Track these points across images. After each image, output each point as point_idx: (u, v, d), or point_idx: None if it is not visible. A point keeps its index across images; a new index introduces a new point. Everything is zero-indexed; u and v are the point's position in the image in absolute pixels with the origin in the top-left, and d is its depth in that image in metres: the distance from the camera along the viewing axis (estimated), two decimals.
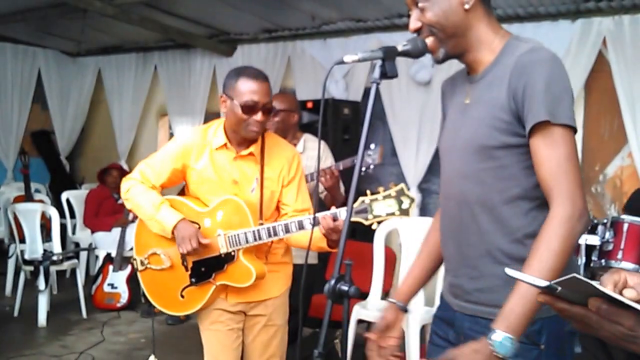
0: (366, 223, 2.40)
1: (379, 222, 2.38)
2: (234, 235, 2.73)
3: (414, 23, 1.89)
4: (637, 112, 5.20)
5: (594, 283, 1.11)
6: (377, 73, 1.77)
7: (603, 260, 3.91)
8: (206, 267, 2.81)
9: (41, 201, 6.93)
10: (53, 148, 8.70)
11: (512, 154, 1.80)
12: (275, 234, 2.68)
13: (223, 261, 2.78)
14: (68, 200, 7.19)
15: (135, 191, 2.90)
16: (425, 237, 2.21)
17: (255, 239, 2.70)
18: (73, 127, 8.58)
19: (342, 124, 6.04)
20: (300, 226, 2.62)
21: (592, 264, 3.95)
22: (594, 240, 3.90)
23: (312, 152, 4.07)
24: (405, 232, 4.45)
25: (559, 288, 1.16)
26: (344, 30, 6.53)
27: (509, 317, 1.64)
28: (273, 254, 2.93)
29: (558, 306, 1.20)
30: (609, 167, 5.65)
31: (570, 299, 1.18)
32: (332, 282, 1.69)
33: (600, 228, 3.96)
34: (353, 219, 2.37)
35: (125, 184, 2.95)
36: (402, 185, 2.35)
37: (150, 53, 7.94)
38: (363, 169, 3.79)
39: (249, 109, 2.71)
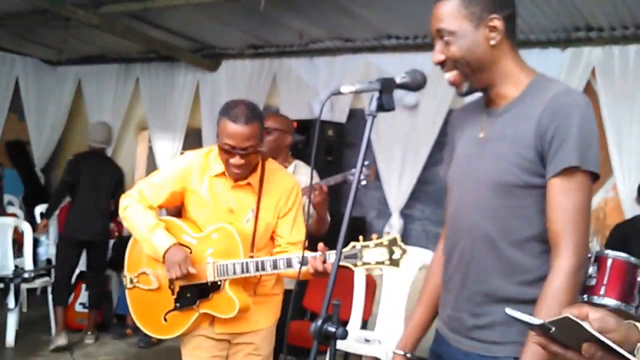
0: (354, 269, 2.44)
1: (367, 270, 2.43)
2: (223, 265, 2.78)
3: (438, 56, 1.91)
4: (624, 144, 5.28)
5: (585, 326, 1.15)
6: (373, 105, 1.80)
7: (585, 296, 3.94)
8: (192, 293, 2.86)
9: (14, 215, 6.90)
10: (28, 159, 8.65)
11: (531, 194, 1.84)
12: (263, 269, 2.73)
13: (209, 289, 2.83)
14: (42, 214, 7.13)
15: (131, 210, 2.96)
16: (425, 279, 2.22)
17: (243, 271, 2.75)
18: (50, 138, 8.52)
19: (325, 145, 6.10)
20: (289, 264, 2.68)
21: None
22: None
23: (301, 177, 4.13)
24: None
25: (553, 328, 1.20)
26: (331, 49, 6.59)
27: None
28: (262, 285, 2.97)
29: (552, 349, 1.24)
30: (593, 198, 5.71)
31: (565, 342, 1.22)
32: (319, 322, 1.71)
33: None
34: (342, 263, 2.41)
35: (124, 201, 3.01)
36: (396, 235, 2.40)
37: (132, 65, 7.95)
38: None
39: (224, 151, 2.77)
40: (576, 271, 1.75)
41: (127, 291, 3.06)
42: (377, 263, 2.41)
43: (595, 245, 5.45)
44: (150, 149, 8.02)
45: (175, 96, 7.63)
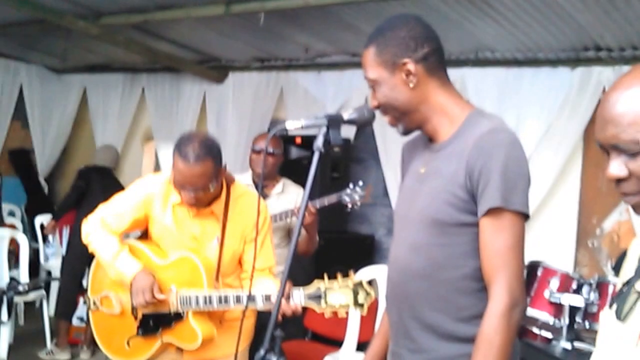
0: (318, 311, 2.48)
1: (332, 312, 2.46)
2: (186, 296, 2.82)
3: (372, 102, 2.00)
4: None
5: None
6: (320, 141, 1.88)
7: (587, 322, 3.96)
8: (155, 321, 2.90)
9: (12, 226, 6.99)
10: (32, 168, 8.73)
11: (465, 232, 1.89)
12: (226, 303, 2.76)
13: (172, 319, 2.87)
14: (42, 225, 7.24)
15: (94, 236, 3.01)
16: (384, 309, 2.25)
17: (205, 304, 2.79)
18: (54, 147, 8.61)
19: (331, 162, 6.13)
20: (252, 300, 2.71)
21: (575, 326, 4.00)
22: (578, 301, 3.96)
23: (290, 195, 4.22)
24: (384, 282, 4.50)
25: None
26: (338, 64, 6.62)
27: None
28: (231, 311, 2.97)
29: None
30: (606, 221, 5.71)
31: None
32: (262, 352, 1.78)
33: (585, 288, 4.02)
34: (305, 304, 2.49)
35: (85, 227, 3.06)
36: (361, 279, 2.45)
37: (138, 74, 8.03)
38: (349, 205, 3.94)
39: (177, 185, 2.80)
40: (508, 311, 1.79)
41: (90, 313, 3.12)
42: (342, 306, 2.45)
43: (609, 270, 5.45)
44: (157, 159, 8.07)
45: (181, 107, 7.69)
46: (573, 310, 4.00)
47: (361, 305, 2.43)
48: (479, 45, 5.55)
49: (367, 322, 4.60)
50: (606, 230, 5.73)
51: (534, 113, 5.49)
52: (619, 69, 5.32)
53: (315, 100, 6.73)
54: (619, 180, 1.29)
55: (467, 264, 1.89)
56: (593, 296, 3.96)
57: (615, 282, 3.94)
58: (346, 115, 1.94)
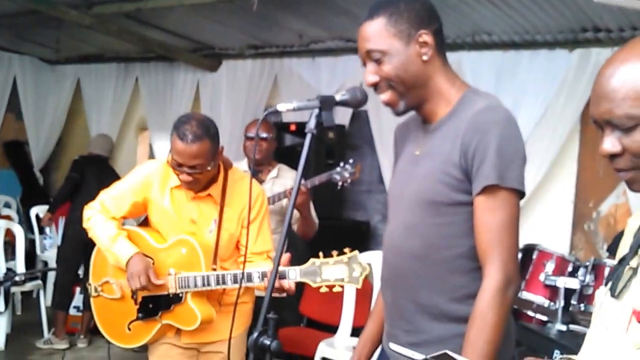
0: (313, 285, 2.48)
1: (327, 287, 2.46)
2: (184, 278, 2.85)
3: (372, 77, 1.93)
4: None
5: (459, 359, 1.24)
6: (312, 123, 1.86)
7: (582, 305, 3.99)
8: (154, 304, 2.93)
9: (8, 217, 7.02)
10: (26, 160, 8.76)
11: (460, 212, 1.89)
12: (224, 283, 2.80)
13: (171, 301, 2.90)
14: (37, 216, 7.27)
15: (94, 221, 3.04)
16: (378, 293, 2.27)
17: (204, 284, 2.82)
18: (48, 138, 8.61)
19: (325, 148, 6.15)
20: (249, 279, 2.72)
21: (571, 308, 4.03)
22: (573, 283, 3.99)
23: (285, 180, 4.25)
24: (379, 267, 4.54)
25: None
26: (333, 50, 6.62)
27: None
28: (229, 295, 3.01)
29: None
30: (603, 204, 5.72)
31: None
32: (255, 334, 1.78)
33: (581, 271, 4.06)
34: (300, 280, 2.49)
35: (86, 212, 3.09)
36: (355, 252, 2.43)
37: (131, 64, 8.03)
38: (340, 183, 3.97)
39: (174, 165, 2.82)
40: (503, 289, 1.81)
41: (91, 299, 3.16)
42: (336, 280, 2.44)
43: (604, 252, 5.48)
44: (151, 149, 8.08)
45: (175, 96, 7.70)
46: (568, 292, 4.03)
47: (356, 280, 2.44)
48: (476, 29, 5.55)
49: (362, 307, 4.64)
50: (603, 213, 5.75)
51: (531, 96, 5.48)
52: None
53: (310, 87, 6.71)
54: (612, 156, 1.29)
55: (462, 243, 1.90)
56: (589, 278, 3.99)
57: (612, 264, 3.98)
58: (338, 97, 1.92)
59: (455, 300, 1.92)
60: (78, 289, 6.30)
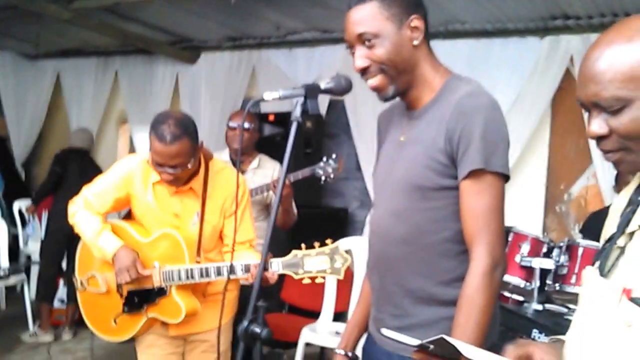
0: (296, 277, 2.46)
1: (310, 278, 2.44)
2: (169, 271, 2.81)
3: (362, 61, 1.89)
4: None
5: (457, 345, 1.20)
6: (298, 111, 1.83)
7: (557, 285, 3.97)
8: (139, 297, 2.90)
9: None
10: (8, 155, 8.60)
11: (446, 196, 1.87)
12: (208, 276, 2.76)
13: (156, 294, 2.86)
14: (20, 210, 7.18)
15: (78, 217, 2.99)
16: (364, 279, 2.24)
17: (188, 277, 2.78)
18: (29, 133, 8.47)
19: (303, 138, 6.09)
20: (232, 271, 2.69)
21: (546, 288, 4.01)
22: (548, 264, 3.97)
23: (266, 170, 4.21)
24: (361, 253, 4.49)
25: (431, 346, 1.27)
26: (310, 41, 6.57)
27: None
28: (214, 284, 2.97)
29: None
30: (574, 186, 5.75)
31: (443, 355, 1.28)
32: (245, 323, 1.75)
33: (555, 251, 4.03)
34: (283, 271, 2.48)
35: (71, 208, 3.04)
36: (337, 244, 2.42)
37: (111, 58, 7.92)
38: (322, 178, 3.95)
39: (155, 165, 2.77)
40: (491, 271, 1.79)
41: (78, 293, 3.12)
42: (319, 272, 2.43)
43: (577, 234, 5.48)
44: (131, 142, 7.98)
45: (154, 89, 7.62)
46: (544, 273, 4.01)
47: (338, 271, 2.41)
48: (449, 17, 5.52)
49: (342, 293, 4.61)
50: (574, 195, 5.77)
51: (504, 83, 5.46)
52: (587, 37, 5.33)
53: (287, 78, 6.67)
54: (600, 138, 1.28)
55: (448, 227, 1.88)
56: (563, 259, 3.97)
57: (585, 245, 3.97)
58: (323, 85, 1.88)
59: (442, 284, 1.90)
60: (62, 282, 6.23)
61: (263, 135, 6.01)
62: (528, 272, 4.00)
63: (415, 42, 1.89)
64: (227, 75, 7.06)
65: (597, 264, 1.35)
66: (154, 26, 6.60)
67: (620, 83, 1.21)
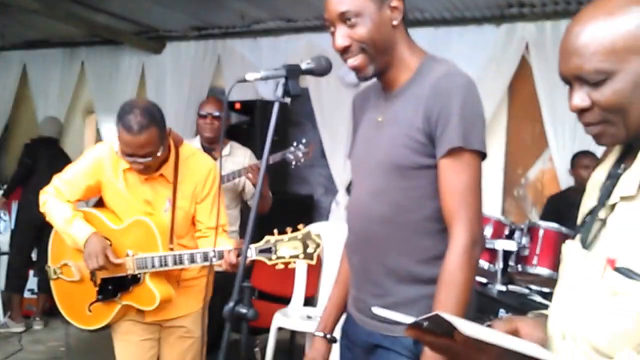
0: (269, 263, 2.43)
1: (283, 264, 2.40)
2: (142, 259, 2.74)
3: (344, 40, 1.86)
4: (558, 116, 5.33)
5: (452, 321, 1.16)
6: (279, 91, 1.81)
7: (519, 266, 4.00)
8: (113, 285, 2.83)
9: None
10: None
11: (424, 175, 1.85)
12: (181, 263, 2.70)
13: (130, 282, 2.80)
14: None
15: (49, 205, 2.90)
16: (340, 260, 2.22)
17: (161, 265, 2.72)
18: None
19: (269, 125, 5.99)
20: (205, 258, 2.65)
21: (509, 269, 4.02)
22: (510, 245, 3.98)
23: (237, 157, 4.15)
24: (329, 238, 4.46)
25: (425, 323, 1.23)
26: (274, 30, 6.50)
27: (429, 358, 1.73)
28: (187, 270, 2.92)
29: (425, 339, 1.27)
30: (531, 170, 5.78)
31: (437, 332, 1.24)
32: (231, 304, 1.72)
33: (517, 233, 4.05)
34: (256, 257, 2.43)
35: (42, 197, 2.95)
36: (309, 228, 2.39)
37: (77, 48, 7.74)
38: (293, 162, 3.92)
39: (124, 155, 2.70)
40: (470, 248, 1.77)
41: (51, 282, 3.03)
42: (292, 257, 2.40)
43: (534, 217, 5.52)
44: (98, 132, 7.81)
45: (120, 79, 7.46)
46: (506, 254, 4.02)
47: (310, 256, 2.39)
48: (408, 6, 5.37)
49: (312, 278, 4.58)
50: (531, 179, 5.80)
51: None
52: (542, 25, 5.36)
53: (253, 67, 6.57)
54: (581, 111, 1.29)
55: (427, 205, 1.86)
56: (525, 240, 3.99)
57: (546, 226, 3.98)
58: (304, 65, 1.86)
59: (422, 262, 1.88)
60: (32, 272, 6.09)
61: (230, 123, 5.96)
62: (491, 254, 4.01)
63: (395, 22, 1.88)
64: (193, 65, 6.96)
65: (578, 237, 1.35)
66: (120, 16, 6.45)
67: (602, 56, 1.21)
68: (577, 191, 4.68)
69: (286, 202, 6.28)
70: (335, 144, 6.24)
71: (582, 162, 4.80)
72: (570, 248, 1.39)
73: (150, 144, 2.63)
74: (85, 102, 8.00)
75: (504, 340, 1.18)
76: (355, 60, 1.87)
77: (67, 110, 7.83)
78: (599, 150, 5.01)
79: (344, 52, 1.87)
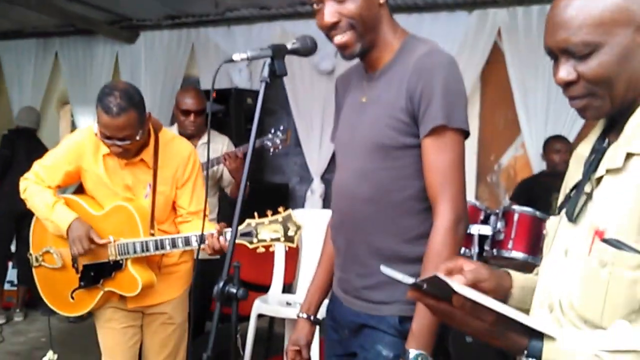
0: (250, 246, 2.41)
1: (264, 247, 2.38)
2: (123, 244, 2.72)
3: (332, 16, 1.83)
4: (530, 102, 5.37)
5: (450, 283, 1.19)
6: (266, 72, 1.78)
7: (495, 250, 4.03)
8: (95, 272, 2.81)
9: None
10: None
11: (407, 155, 1.85)
12: (163, 248, 2.68)
13: (112, 268, 2.77)
14: None
15: (30, 192, 2.87)
16: (323, 242, 2.21)
17: (143, 250, 2.70)
18: None
19: (245, 114, 6.00)
20: (187, 242, 2.64)
21: (484, 254, 4.06)
22: (486, 230, 4.01)
23: (216, 145, 4.14)
24: (307, 225, 4.45)
25: (425, 285, 1.25)
26: (248, 18, 6.46)
27: (417, 335, 1.74)
28: (168, 256, 2.92)
29: (426, 302, 1.29)
30: (503, 157, 5.82)
31: (438, 296, 1.26)
32: (221, 284, 1.70)
33: (492, 218, 4.07)
34: (237, 241, 2.37)
35: (22, 184, 2.91)
36: (289, 211, 2.38)
37: (50, 39, 7.61)
38: (271, 149, 3.89)
39: (103, 138, 2.67)
40: (455, 226, 1.78)
41: (33, 269, 3.01)
42: (272, 240, 2.38)
43: (506, 202, 5.56)
44: (73, 123, 7.72)
45: (95, 69, 7.36)
46: (482, 239, 4.05)
47: (291, 239, 2.37)
48: None
49: (290, 265, 4.59)
50: (503, 165, 5.84)
51: None
52: (514, 11, 5.39)
53: (226, 55, 6.45)
54: (567, 85, 1.30)
55: (411, 185, 1.86)
56: (500, 225, 4.02)
57: (521, 211, 4.02)
58: (290, 45, 1.82)
59: (406, 242, 1.88)
60: (11, 264, 6.02)
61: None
62: (467, 238, 4.03)
63: (381, 1, 1.87)
64: (167, 54, 6.90)
65: (564, 212, 1.37)
66: (94, 5, 6.35)
67: (589, 28, 1.23)
68: (549, 175, 4.75)
69: (262, 191, 6.27)
70: (310, 132, 6.23)
71: (554, 146, 4.84)
72: (555, 223, 1.41)
73: (129, 127, 2.61)
74: (59, 93, 7.91)
75: (499, 306, 1.19)
76: (344, 36, 1.85)
77: (42, 101, 7.71)
78: (571, 135, 5.08)
79: (332, 28, 1.85)
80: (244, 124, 5.95)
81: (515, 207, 4.09)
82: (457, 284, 1.20)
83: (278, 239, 2.38)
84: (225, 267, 1.74)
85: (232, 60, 1.82)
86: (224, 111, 5.90)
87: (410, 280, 1.27)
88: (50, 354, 3.87)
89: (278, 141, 3.92)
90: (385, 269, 1.34)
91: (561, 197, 1.46)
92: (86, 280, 2.83)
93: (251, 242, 2.40)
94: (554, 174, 4.49)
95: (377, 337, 1.90)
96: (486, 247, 4.03)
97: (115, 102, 2.57)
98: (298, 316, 2.19)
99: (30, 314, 5.90)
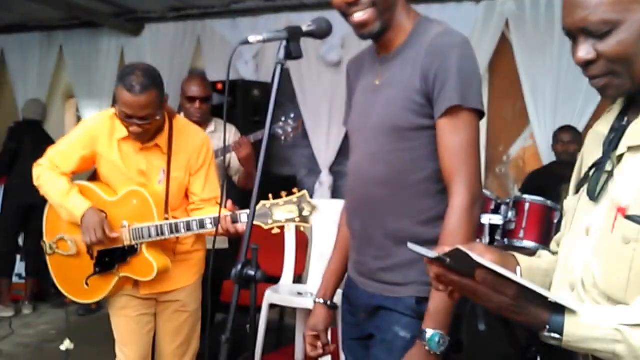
0: (265, 227, 2.38)
1: (279, 227, 2.36)
2: (138, 229, 2.71)
3: None
4: (539, 93, 5.34)
5: (472, 255, 1.19)
6: (281, 54, 1.77)
7: (506, 240, 4.00)
8: (110, 257, 2.79)
9: None
10: None
11: (422, 136, 1.84)
12: (178, 231, 2.67)
13: (127, 253, 2.76)
14: None
15: (44, 178, 2.85)
16: (338, 227, 2.20)
17: (158, 234, 2.69)
18: None
19: (252, 106, 5.98)
20: (202, 225, 2.63)
21: (495, 243, 4.03)
22: (497, 219, 3.98)
23: (223, 133, 4.07)
24: (317, 215, 4.43)
25: (448, 259, 1.26)
26: (253, 10, 6.43)
27: (434, 315, 1.74)
28: (182, 244, 2.91)
29: (449, 278, 1.29)
30: (512, 148, 5.80)
31: (460, 271, 1.27)
32: (239, 267, 1.70)
33: (503, 208, 4.05)
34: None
35: (36, 170, 2.89)
36: (304, 192, 2.35)
37: (55, 32, 7.58)
38: (283, 138, 3.85)
39: (123, 117, 2.66)
40: (471, 207, 1.77)
41: (47, 258, 2.98)
42: (287, 220, 2.35)
43: (515, 193, 5.54)
44: (79, 118, 7.71)
45: (100, 62, 7.33)
46: (493, 228, 4.02)
47: (306, 219, 2.34)
48: None
49: (300, 256, 4.58)
50: (512, 156, 5.82)
51: None
52: (521, 1, 5.38)
53: (232, 47, 6.46)
54: (587, 64, 1.29)
55: (426, 166, 1.85)
56: (511, 214, 4.00)
57: (531, 200, 3.99)
58: (305, 27, 1.81)
59: (421, 224, 1.87)
60: (19, 257, 6.02)
61: (212, 104, 5.89)
62: (478, 228, 3.99)
63: None
64: (172, 46, 6.86)
65: (582, 191, 1.37)
66: None
67: (607, 6, 1.22)
68: (559, 165, 4.72)
69: (269, 183, 6.22)
70: (318, 124, 6.21)
71: (563, 137, 4.82)
72: (574, 202, 1.41)
73: (151, 106, 2.61)
74: (64, 87, 7.87)
75: (521, 279, 1.20)
76: (365, 13, 1.83)
77: (47, 95, 7.67)
78: (580, 125, 5.05)
79: (352, 5, 1.83)
80: (251, 115, 5.92)
81: (526, 196, 4.06)
82: (480, 257, 1.20)
83: (293, 220, 2.35)
84: (242, 250, 1.73)
85: (247, 42, 1.82)
86: (231, 103, 5.87)
87: (434, 254, 1.27)
88: (67, 342, 3.83)
89: (289, 129, 3.87)
90: (412, 245, 1.34)
91: (576, 177, 1.47)
92: (101, 266, 2.82)
93: (266, 223, 2.37)
94: (564, 165, 4.46)
95: (394, 318, 1.89)
96: (497, 237, 4.01)
97: (138, 81, 2.57)
98: (315, 302, 2.19)
99: (39, 307, 5.90)
